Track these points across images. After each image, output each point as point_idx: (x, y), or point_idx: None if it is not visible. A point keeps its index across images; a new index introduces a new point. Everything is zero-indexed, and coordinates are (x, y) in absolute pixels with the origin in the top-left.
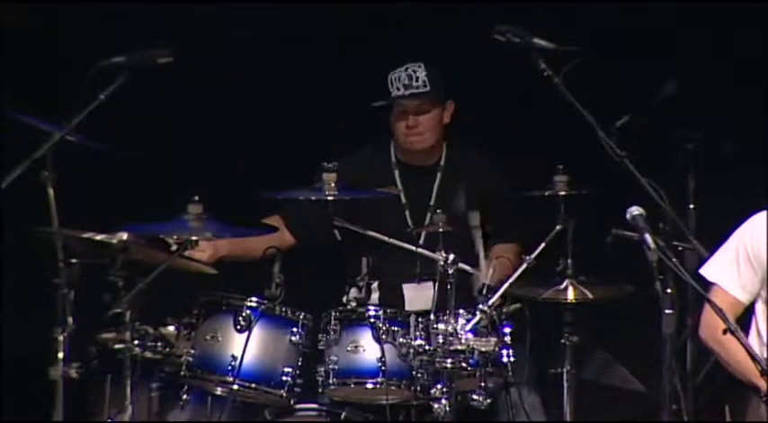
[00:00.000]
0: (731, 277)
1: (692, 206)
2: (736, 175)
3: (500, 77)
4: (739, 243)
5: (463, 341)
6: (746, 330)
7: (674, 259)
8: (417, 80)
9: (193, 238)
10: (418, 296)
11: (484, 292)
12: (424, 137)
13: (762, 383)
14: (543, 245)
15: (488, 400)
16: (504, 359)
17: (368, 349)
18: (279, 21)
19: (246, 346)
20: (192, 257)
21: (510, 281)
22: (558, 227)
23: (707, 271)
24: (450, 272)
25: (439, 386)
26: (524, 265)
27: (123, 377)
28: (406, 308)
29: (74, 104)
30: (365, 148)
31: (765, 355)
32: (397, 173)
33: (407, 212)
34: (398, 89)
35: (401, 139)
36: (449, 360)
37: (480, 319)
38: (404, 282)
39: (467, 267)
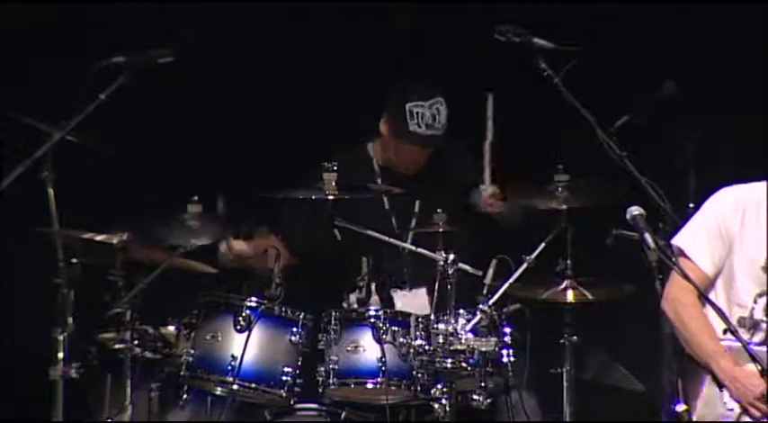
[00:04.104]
0: (702, 250)
1: (691, 206)
2: (736, 175)
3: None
4: (709, 217)
5: (463, 341)
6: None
7: (673, 259)
8: (439, 122)
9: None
10: (409, 303)
11: (484, 291)
12: (420, 164)
13: (717, 366)
14: (543, 245)
15: (488, 401)
16: (504, 359)
17: (368, 349)
18: (278, 21)
19: (246, 346)
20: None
21: (510, 281)
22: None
23: (680, 240)
24: (450, 272)
25: (439, 386)
26: (524, 266)
27: (123, 377)
28: None
29: (74, 104)
30: (342, 154)
31: (720, 330)
32: (380, 180)
33: (393, 218)
34: (419, 126)
35: (398, 162)
36: (449, 360)
37: (480, 319)
38: (393, 289)
39: (467, 267)
